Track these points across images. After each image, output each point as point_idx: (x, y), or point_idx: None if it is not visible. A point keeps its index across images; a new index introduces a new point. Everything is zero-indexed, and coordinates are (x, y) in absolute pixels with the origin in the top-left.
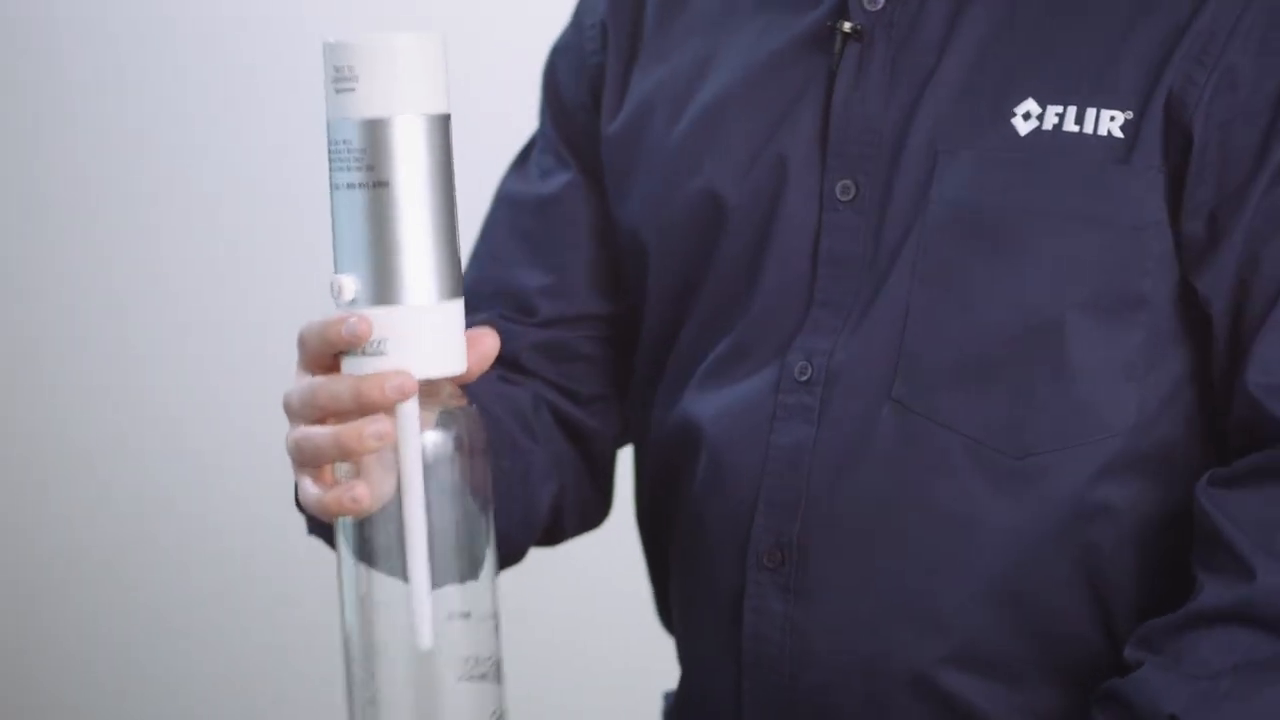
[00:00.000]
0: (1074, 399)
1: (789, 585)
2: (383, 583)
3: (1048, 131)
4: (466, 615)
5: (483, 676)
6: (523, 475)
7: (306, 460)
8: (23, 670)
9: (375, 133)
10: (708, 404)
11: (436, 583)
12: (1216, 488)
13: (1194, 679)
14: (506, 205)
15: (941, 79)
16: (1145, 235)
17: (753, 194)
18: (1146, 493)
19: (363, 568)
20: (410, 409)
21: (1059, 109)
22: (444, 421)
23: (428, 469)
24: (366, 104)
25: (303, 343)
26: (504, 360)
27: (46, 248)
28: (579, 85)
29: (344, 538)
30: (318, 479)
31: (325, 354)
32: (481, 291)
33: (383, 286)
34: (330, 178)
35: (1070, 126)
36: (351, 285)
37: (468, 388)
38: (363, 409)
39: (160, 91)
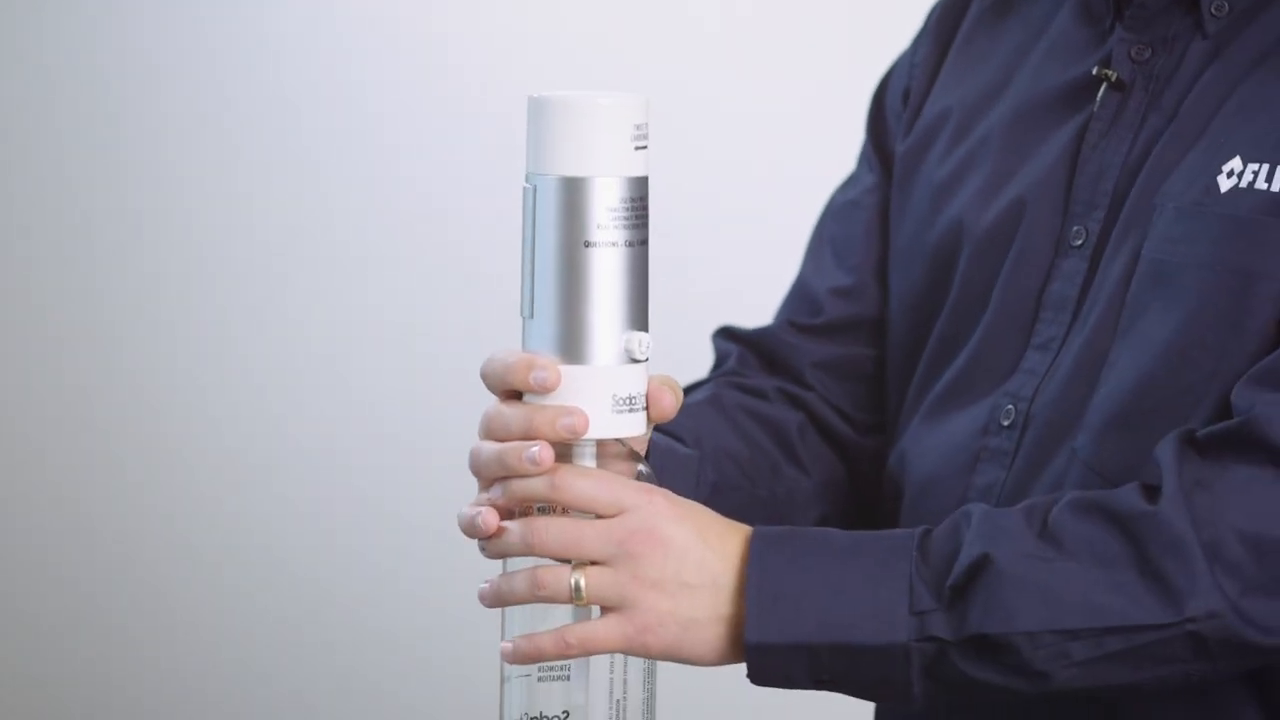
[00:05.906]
0: None
1: None
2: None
3: (1243, 189)
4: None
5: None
6: (785, 502)
7: (475, 472)
8: (29, 670)
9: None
10: (923, 440)
11: None
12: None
13: None
14: (826, 215)
15: (1177, 132)
16: None
17: (991, 230)
18: None
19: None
20: (587, 461)
21: (1256, 166)
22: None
23: None
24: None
25: (484, 376)
26: (788, 372)
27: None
28: (898, 92)
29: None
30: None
31: (504, 390)
32: (788, 296)
33: (572, 344)
34: (587, 235)
35: (1261, 184)
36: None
37: (730, 414)
38: (530, 440)
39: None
